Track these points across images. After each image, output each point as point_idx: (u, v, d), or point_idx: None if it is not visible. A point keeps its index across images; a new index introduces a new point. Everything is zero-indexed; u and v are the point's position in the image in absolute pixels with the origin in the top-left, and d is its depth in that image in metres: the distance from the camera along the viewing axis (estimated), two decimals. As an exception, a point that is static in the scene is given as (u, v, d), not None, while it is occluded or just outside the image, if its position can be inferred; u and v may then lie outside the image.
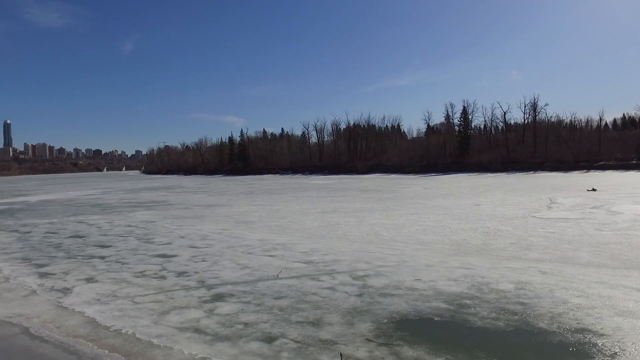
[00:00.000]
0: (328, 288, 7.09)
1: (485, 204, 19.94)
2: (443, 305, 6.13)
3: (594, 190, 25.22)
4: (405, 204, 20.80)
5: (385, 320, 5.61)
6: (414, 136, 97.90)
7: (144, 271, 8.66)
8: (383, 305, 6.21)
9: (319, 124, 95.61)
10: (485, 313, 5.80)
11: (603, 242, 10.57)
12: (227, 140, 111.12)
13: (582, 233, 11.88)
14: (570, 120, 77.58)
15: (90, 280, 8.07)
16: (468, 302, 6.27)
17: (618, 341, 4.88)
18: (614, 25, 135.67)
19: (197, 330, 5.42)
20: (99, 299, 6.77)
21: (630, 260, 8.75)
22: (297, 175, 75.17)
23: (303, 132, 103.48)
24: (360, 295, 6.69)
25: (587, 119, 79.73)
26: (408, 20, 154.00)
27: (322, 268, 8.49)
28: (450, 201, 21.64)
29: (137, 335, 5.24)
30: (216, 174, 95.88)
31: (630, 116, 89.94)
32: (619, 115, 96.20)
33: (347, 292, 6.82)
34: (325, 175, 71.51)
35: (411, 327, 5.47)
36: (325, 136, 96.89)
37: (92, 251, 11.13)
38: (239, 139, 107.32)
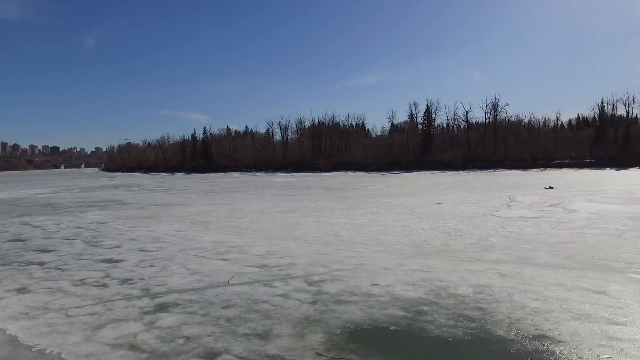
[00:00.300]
0: (281, 295, 6.71)
1: (446, 202, 19.97)
2: (400, 313, 5.85)
3: (551, 188, 25.73)
4: (367, 203, 20.63)
5: (339, 331, 5.28)
6: (378, 134, 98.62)
7: (84, 279, 8.05)
8: (337, 313, 5.88)
9: (283, 121, 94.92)
10: (443, 320, 5.54)
11: (560, 242, 10.58)
12: (190, 138, 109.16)
13: (540, 232, 11.90)
14: (529, 120, 79.76)
15: (22, 290, 7.41)
16: (426, 308, 6.01)
17: (575, 347, 4.70)
18: (571, 30, 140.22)
19: (133, 347, 4.94)
20: (27, 313, 6.17)
21: (585, 261, 8.73)
22: (260, 173, 74.45)
23: (267, 130, 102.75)
24: (313, 302, 6.34)
25: (545, 119, 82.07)
26: (374, 19, 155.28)
27: (277, 273, 8.10)
28: (412, 199, 21.61)
29: (63, 356, 4.72)
30: (178, 172, 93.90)
31: (584, 117, 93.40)
32: (574, 116, 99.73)
33: (300, 300, 6.46)
34: (288, 173, 71.06)
35: (365, 337, 5.15)
36: (290, 134, 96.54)
37: (30, 257, 10.37)
38: (202, 136, 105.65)
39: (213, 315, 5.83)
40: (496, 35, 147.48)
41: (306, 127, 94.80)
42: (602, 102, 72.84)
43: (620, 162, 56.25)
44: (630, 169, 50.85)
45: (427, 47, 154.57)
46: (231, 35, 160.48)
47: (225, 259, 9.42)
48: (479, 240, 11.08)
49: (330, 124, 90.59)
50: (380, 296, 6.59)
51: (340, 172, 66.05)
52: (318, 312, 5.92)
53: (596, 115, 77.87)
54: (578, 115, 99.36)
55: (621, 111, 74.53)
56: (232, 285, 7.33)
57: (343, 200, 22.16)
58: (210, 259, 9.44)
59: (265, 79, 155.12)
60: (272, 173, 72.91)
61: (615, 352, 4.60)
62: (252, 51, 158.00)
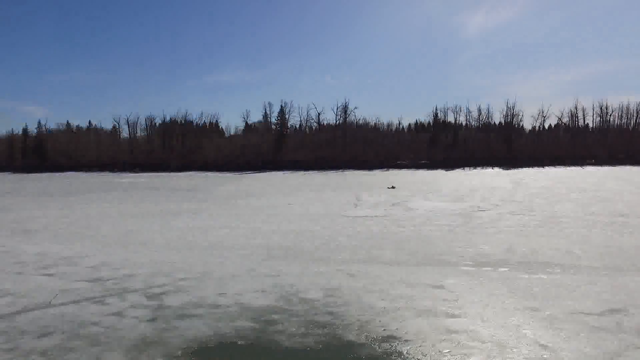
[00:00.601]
0: (114, 314, 5.90)
1: (297, 202, 20.18)
2: (248, 324, 5.48)
3: (393, 188, 27.59)
4: (218, 205, 19.96)
5: (180, 352, 4.73)
6: (232, 134, 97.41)
7: None
8: (179, 330, 5.32)
9: (131, 118, 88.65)
10: (294, 329, 5.32)
11: (403, 239, 11.18)
12: (20, 132, 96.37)
13: (385, 230, 12.49)
14: (375, 124, 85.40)
15: None
16: (276, 317, 5.73)
17: (420, 345, 4.80)
18: (411, 44, 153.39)
19: None
20: None
21: (425, 256, 9.29)
22: (104, 173, 68.53)
23: (114, 127, 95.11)
24: (153, 320, 5.68)
25: (389, 123, 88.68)
26: (233, 18, 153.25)
27: (111, 287, 7.20)
28: (264, 201, 21.47)
29: None
30: (4, 171, 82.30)
31: (421, 122, 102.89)
32: (413, 121, 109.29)
33: (137, 318, 5.75)
34: (136, 173, 66.58)
35: (210, 356, 4.69)
36: (139, 131, 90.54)
37: None
38: (35, 131, 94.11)
39: (23, 349, 4.83)
40: (348, 43, 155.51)
41: (157, 124, 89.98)
42: (435, 110, 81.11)
43: (449, 163, 63.01)
44: (457, 170, 57.10)
45: (283, 50, 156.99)
46: (77, 25, 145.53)
47: (49, 274, 8.15)
48: (328, 240, 11.22)
49: (183, 122, 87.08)
50: (228, 306, 6.17)
51: (192, 173, 63.69)
52: (157, 331, 5.29)
53: (431, 121, 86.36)
54: (416, 120, 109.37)
55: (451, 118, 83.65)
56: (55, 306, 6.30)
57: (193, 203, 21.18)
58: (29, 275, 8.09)
59: (113, 72, 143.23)
60: (117, 173, 67.58)
61: (454, 345, 4.79)
62: (99, 42, 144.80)
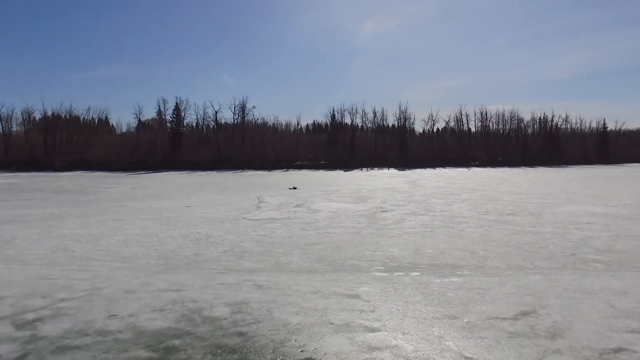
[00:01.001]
0: (-31, 351, 4.78)
1: (196, 205, 19.08)
2: (145, 355, 4.69)
3: (294, 188, 27.30)
4: (109, 208, 18.25)
5: (55, 397, 3.85)
6: (124, 131, 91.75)
7: None
8: (56, 367, 4.39)
9: (5, 110, 79.78)
10: (199, 357, 4.62)
11: (309, 243, 10.79)
12: None
13: (290, 234, 12.02)
14: (274, 123, 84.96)
15: None
16: (177, 342, 4.98)
17: (340, 366, 4.37)
18: (309, 45, 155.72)
19: None
20: None
21: (335, 262, 8.95)
22: (-30, 173, 60.92)
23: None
24: (22, 357, 4.66)
25: (287, 123, 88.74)
26: (126, 10, 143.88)
27: (-31, 314, 5.94)
28: (160, 203, 20.05)
29: None
30: None
31: (318, 123, 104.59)
32: (310, 122, 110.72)
33: (0, 356, 4.70)
34: (12, 172, 59.87)
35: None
36: (15, 126, 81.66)
37: None
38: None
39: None
40: (246, 42, 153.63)
41: (36, 118, 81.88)
42: (333, 111, 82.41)
43: (347, 164, 64.40)
44: (355, 170, 58.53)
45: (177, 45, 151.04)
46: None
47: None
48: (232, 246, 10.51)
49: (68, 116, 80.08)
50: (120, 332, 5.28)
51: (79, 172, 58.73)
52: (27, 371, 4.33)
53: (328, 122, 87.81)
54: (314, 121, 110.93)
55: (347, 119, 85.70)
56: None
57: (79, 206, 19.18)
58: None
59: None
60: (-14, 173, 60.38)
61: (377, 364, 4.43)
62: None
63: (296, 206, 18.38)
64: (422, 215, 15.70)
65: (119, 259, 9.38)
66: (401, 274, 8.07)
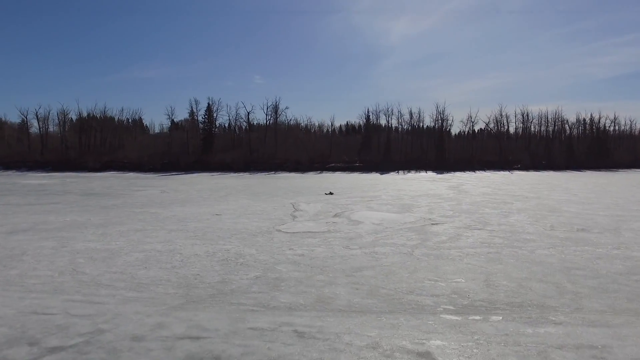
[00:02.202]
0: None
1: (226, 213, 17.66)
2: None
3: (331, 194, 25.68)
4: (133, 215, 17.01)
5: None
6: (157, 132, 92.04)
7: None
8: None
9: (42, 111, 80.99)
10: None
11: (356, 268, 9.13)
12: None
13: (332, 254, 10.38)
14: (307, 124, 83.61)
15: None
16: None
17: None
18: (340, 47, 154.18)
19: None
20: None
21: (390, 296, 7.27)
22: (8, 173, 61.61)
23: (23, 120, 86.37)
24: None
25: (320, 124, 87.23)
26: (157, 11, 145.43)
27: None
28: (188, 209, 18.73)
29: None
30: None
31: (352, 124, 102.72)
32: (344, 122, 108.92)
33: None
34: (47, 172, 60.39)
35: None
36: (51, 127, 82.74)
37: None
38: None
39: None
40: (275, 42, 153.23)
41: (72, 119, 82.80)
42: (367, 112, 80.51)
43: (383, 167, 62.36)
44: (391, 174, 56.50)
45: (209, 46, 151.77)
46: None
47: None
48: (265, 270, 8.94)
49: (102, 117, 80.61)
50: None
51: (111, 173, 58.69)
52: None
53: (362, 123, 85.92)
54: (347, 122, 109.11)
55: (382, 120, 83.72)
56: None
57: (103, 212, 18.04)
58: None
59: (21, 60, 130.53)
60: (24, 173, 60.95)
61: None
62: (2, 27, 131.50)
63: (335, 216, 16.74)
64: (479, 229, 13.81)
65: (133, 285, 7.93)
66: (478, 317, 6.33)
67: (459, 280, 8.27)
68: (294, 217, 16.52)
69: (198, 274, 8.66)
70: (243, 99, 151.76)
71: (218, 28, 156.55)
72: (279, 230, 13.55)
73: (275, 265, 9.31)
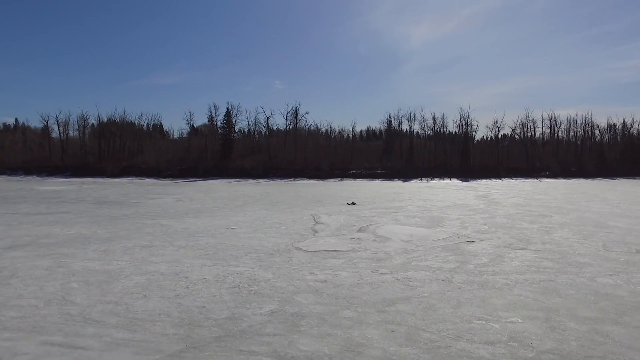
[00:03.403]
0: None
1: (242, 225, 16.42)
2: None
3: (353, 204, 24.31)
4: (142, 227, 15.90)
5: None
6: (176, 137, 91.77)
7: None
8: None
9: (62, 116, 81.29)
10: None
11: (389, 300, 7.75)
12: None
13: (360, 280, 9.02)
14: (327, 130, 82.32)
15: None
16: None
17: None
18: (361, 50, 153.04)
19: None
20: None
21: (435, 344, 5.89)
22: (28, 178, 61.78)
23: (44, 126, 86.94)
24: None
25: (340, 129, 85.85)
26: (177, 17, 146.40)
27: None
28: (202, 221, 17.55)
29: None
30: None
31: (372, 129, 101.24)
32: (364, 128, 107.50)
33: None
34: (66, 178, 60.36)
35: None
36: (72, 132, 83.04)
37: None
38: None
39: None
40: (295, 47, 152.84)
41: (91, 124, 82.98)
42: (389, 117, 78.84)
43: (405, 173, 60.67)
44: (414, 181, 54.85)
45: (229, 52, 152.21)
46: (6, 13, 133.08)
47: None
48: (282, 302, 7.63)
49: (122, 122, 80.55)
50: None
51: (129, 179, 58.27)
52: None
53: (383, 129, 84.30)
54: (368, 127, 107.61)
55: (405, 126, 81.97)
56: None
57: (112, 224, 16.98)
58: None
59: (41, 66, 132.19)
60: (44, 178, 61.03)
61: None
62: (26, 32, 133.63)
63: (359, 230, 15.37)
64: (522, 249, 12.30)
65: (126, 321, 6.69)
66: (552, 380, 4.91)
67: (514, 319, 6.84)
68: (315, 231, 15.19)
69: (204, 307, 7.39)
70: (263, 104, 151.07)
71: (238, 34, 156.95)
72: (298, 249, 12.23)
73: (294, 296, 7.99)
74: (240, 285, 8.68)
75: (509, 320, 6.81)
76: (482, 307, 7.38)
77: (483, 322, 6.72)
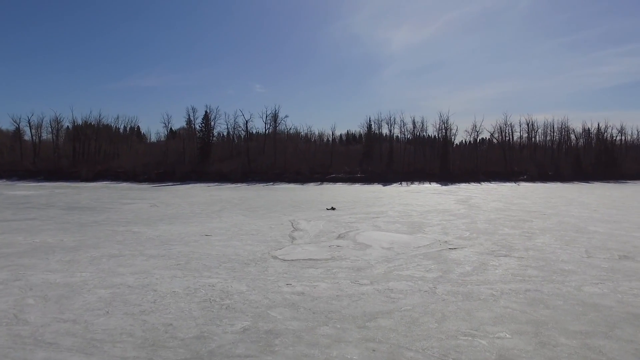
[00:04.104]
0: None
1: (218, 232, 15.82)
2: None
3: (333, 209, 23.86)
4: (112, 235, 15.17)
5: None
6: (153, 140, 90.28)
7: None
8: None
9: (34, 119, 79.04)
10: None
11: (370, 314, 7.30)
12: None
13: (338, 292, 8.55)
14: (307, 133, 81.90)
15: None
16: None
17: None
18: (339, 56, 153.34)
19: None
20: None
21: (420, 364, 5.45)
22: (-2, 182, 59.78)
23: (16, 128, 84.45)
24: None
25: (320, 133, 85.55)
26: (158, 18, 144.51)
27: None
28: (176, 228, 16.89)
29: None
30: None
31: (352, 133, 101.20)
32: (344, 132, 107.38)
33: None
34: (38, 182, 58.51)
35: None
36: (45, 135, 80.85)
37: None
38: None
39: None
40: (276, 51, 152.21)
41: (66, 127, 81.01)
42: (369, 121, 78.73)
43: (385, 177, 60.52)
44: (394, 185, 54.69)
45: (210, 54, 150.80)
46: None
47: None
48: (256, 318, 7.11)
49: (97, 125, 78.73)
50: None
51: (105, 183, 56.84)
52: None
53: (363, 133, 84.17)
54: (347, 131, 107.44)
55: (384, 130, 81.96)
56: None
57: (80, 231, 16.20)
58: None
59: (13, 67, 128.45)
60: (14, 182, 59.02)
61: None
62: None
63: (339, 237, 14.92)
64: (505, 256, 11.99)
65: (83, 343, 6.10)
66: (547, 405, 4.51)
67: (502, 334, 6.46)
68: (293, 238, 14.68)
69: (170, 324, 6.83)
70: (244, 108, 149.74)
71: (218, 37, 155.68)
72: (275, 257, 11.71)
73: (269, 310, 7.48)
74: (212, 299, 8.13)
75: (496, 335, 6.41)
76: (468, 321, 6.98)
77: (470, 338, 6.31)
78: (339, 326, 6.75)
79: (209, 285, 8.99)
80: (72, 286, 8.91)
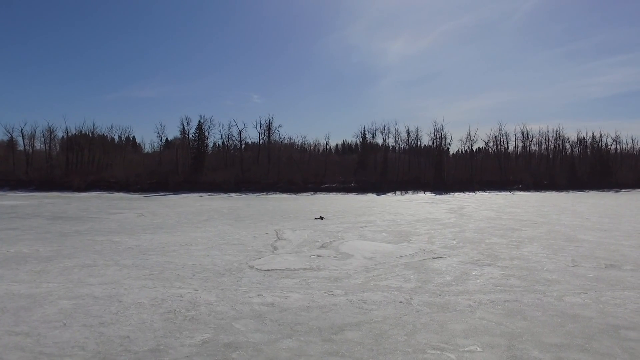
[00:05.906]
0: None
1: (199, 242, 15.50)
2: None
3: (321, 218, 23.57)
4: (91, 245, 14.84)
5: None
6: (148, 151, 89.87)
7: None
8: None
9: (28, 128, 78.60)
10: None
11: (337, 326, 6.98)
12: None
13: (310, 303, 8.24)
14: (301, 143, 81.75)
15: None
16: None
17: None
18: (339, 65, 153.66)
19: None
20: None
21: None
22: (-11, 192, 59.25)
23: (10, 138, 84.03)
24: None
25: (315, 143, 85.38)
26: (155, 30, 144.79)
27: None
28: (157, 238, 16.56)
29: None
30: None
31: (347, 143, 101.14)
32: (340, 142, 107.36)
33: None
34: (29, 192, 58.01)
35: None
36: (38, 144, 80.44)
37: None
38: None
39: None
40: (273, 61, 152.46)
41: (59, 137, 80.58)
42: (364, 130, 78.72)
43: (380, 187, 60.28)
44: (388, 194, 54.40)
45: (207, 65, 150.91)
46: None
47: None
48: (217, 331, 6.79)
49: (91, 135, 78.37)
50: None
51: (97, 193, 56.42)
52: None
53: (358, 142, 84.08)
54: (343, 141, 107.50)
55: (379, 139, 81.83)
56: None
57: (59, 241, 15.86)
58: None
59: (9, 77, 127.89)
60: (5, 192, 58.48)
61: None
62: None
63: (321, 246, 14.61)
64: (488, 266, 11.71)
65: (30, 358, 5.78)
66: None
67: (472, 347, 6.15)
68: (274, 248, 14.37)
69: (127, 336, 6.51)
70: (242, 118, 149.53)
71: (216, 48, 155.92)
72: (252, 267, 11.39)
73: (234, 322, 7.16)
74: (177, 310, 7.81)
75: (467, 349, 6.11)
76: (439, 334, 6.67)
77: (438, 351, 6.00)
78: (302, 339, 6.44)
79: (177, 296, 8.67)
80: (35, 297, 8.58)
